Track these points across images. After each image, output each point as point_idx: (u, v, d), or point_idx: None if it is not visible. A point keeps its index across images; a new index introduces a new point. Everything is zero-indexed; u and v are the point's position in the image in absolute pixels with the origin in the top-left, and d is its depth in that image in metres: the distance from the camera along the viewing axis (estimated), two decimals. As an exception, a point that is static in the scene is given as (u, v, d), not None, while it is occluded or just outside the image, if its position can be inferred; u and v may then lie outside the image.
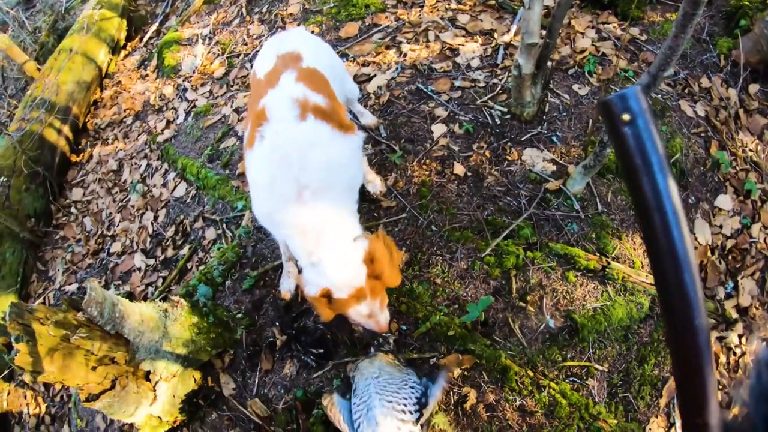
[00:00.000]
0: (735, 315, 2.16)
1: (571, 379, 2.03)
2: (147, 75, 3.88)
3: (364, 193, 2.44)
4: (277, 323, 2.26)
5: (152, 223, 2.88)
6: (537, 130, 2.42)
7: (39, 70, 3.94)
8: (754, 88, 2.45)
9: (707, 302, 2.14)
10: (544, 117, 2.43)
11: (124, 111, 3.72)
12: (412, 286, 2.20)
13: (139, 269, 2.74)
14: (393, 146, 2.53)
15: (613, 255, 2.14)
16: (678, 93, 2.47)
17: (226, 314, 2.27)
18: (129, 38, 4.39)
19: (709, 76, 2.49)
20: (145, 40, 4.27)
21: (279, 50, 1.93)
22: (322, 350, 2.13)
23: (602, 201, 2.23)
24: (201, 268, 2.50)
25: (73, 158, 3.68)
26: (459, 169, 2.39)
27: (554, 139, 2.39)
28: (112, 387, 1.70)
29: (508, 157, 2.38)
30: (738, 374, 2.15)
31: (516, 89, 2.32)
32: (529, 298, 2.08)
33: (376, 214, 2.40)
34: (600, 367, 2.04)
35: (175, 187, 2.96)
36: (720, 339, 2.16)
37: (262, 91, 1.80)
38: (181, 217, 2.82)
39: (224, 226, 2.63)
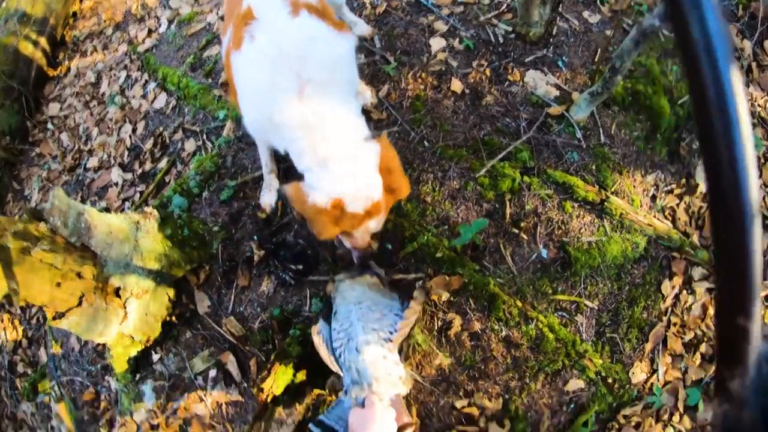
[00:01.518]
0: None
1: (559, 313, 1.87)
2: None
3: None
4: (256, 237, 2.04)
5: (130, 136, 2.66)
6: (542, 52, 2.23)
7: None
8: (769, 43, 2.36)
9: (702, 251, 2.03)
10: (551, 40, 2.24)
11: (104, 21, 3.39)
12: (400, 203, 1.98)
13: (116, 184, 2.58)
14: (387, 57, 2.28)
15: (612, 189, 1.99)
16: (692, 35, 2.33)
17: (201, 227, 2.05)
18: None
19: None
20: None
21: None
22: (301, 266, 1.93)
23: (606, 133, 2.07)
24: (178, 179, 2.27)
25: (51, 72, 3.39)
26: (456, 85, 2.18)
27: (560, 63, 2.21)
28: (79, 304, 1.59)
29: (509, 77, 2.19)
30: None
31: (523, 6, 2.12)
32: (522, 224, 1.90)
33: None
34: (590, 304, 1.89)
35: (155, 98, 2.69)
36: (710, 290, 2.05)
37: None
38: (161, 128, 2.58)
39: (204, 137, 2.41)
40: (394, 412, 1.42)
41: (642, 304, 1.96)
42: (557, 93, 2.13)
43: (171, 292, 1.99)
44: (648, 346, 1.96)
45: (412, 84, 2.21)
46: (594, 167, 2.01)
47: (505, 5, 2.36)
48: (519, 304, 1.83)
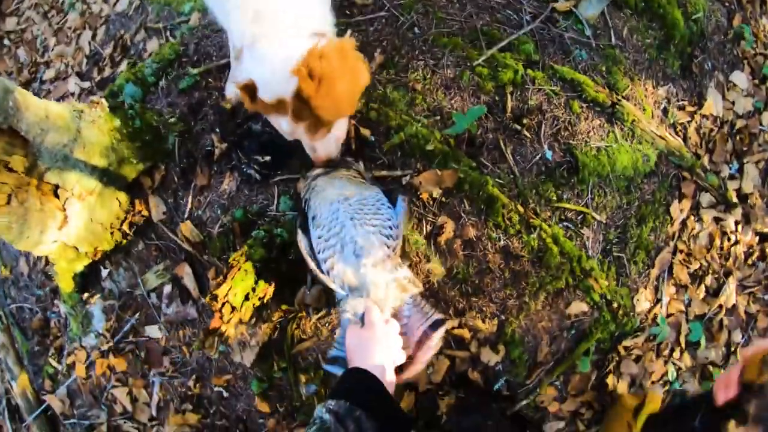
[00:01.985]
0: (735, 199, 1.88)
1: (564, 224, 1.62)
2: None
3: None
4: (217, 129, 1.71)
5: (89, 43, 2.38)
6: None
7: None
8: (783, -29, 2.23)
9: (712, 176, 1.83)
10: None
11: None
12: (385, 90, 1.68)
13: (73, 94, 2.39)
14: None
15: (623, 94, 1.77)
16: (704, -46, 2.18)
17: (156, 118, 1.74)
18: None
19: (736, -48, 2.23)
20: None
21: None
22: (269, 157, 1.61)
23: (617, 35, 1.84)
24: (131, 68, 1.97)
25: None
26: (451, -23, 1.91)
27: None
28: (8, 202, 1.37)
29: (511, -28, 1.94)
30: (728, 263, 1.88)
31: None
32: (525, 121, 1.64)
33: (348, 12, 1.85)
34: (598, 217, 1.65)
35: (117, 0, 2.35)
36: (717, 220, 1.87)
37: None
38: (122, 31, 2.27)
39: (168, 33, 2.11)
40: (397, 325, 1.15)
41: (650, 225, 1.73)
42: (564, -9, 1.90)
43: (122, 197, 1.70)
44: (653, 272, 1.75)
45: (401, -26, 1.93)
46: (604, 69, 1.77)
47: None
48: (521, 209, 1.56)
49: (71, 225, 1.56)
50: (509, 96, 1.66)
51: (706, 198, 1.84)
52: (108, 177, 1.62)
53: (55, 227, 1.53)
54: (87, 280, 1.80)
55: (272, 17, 1.22)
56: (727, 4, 2.10)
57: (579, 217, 1.63)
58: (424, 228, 1.56)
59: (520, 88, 1.68)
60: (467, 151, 1.60)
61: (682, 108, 1.89)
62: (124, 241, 1.75)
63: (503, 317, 1.57)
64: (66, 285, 1.78)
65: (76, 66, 2.43)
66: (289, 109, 1.23)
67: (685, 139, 1.86)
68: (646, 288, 1.72)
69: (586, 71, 1.75)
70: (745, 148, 1.97)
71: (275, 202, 1.64)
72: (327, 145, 1.41)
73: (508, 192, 1.58)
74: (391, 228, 1.28)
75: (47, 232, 1.52)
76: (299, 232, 1.35)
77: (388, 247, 1.24)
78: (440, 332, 1.18)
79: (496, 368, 1.57)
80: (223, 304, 1.39)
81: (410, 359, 1.15)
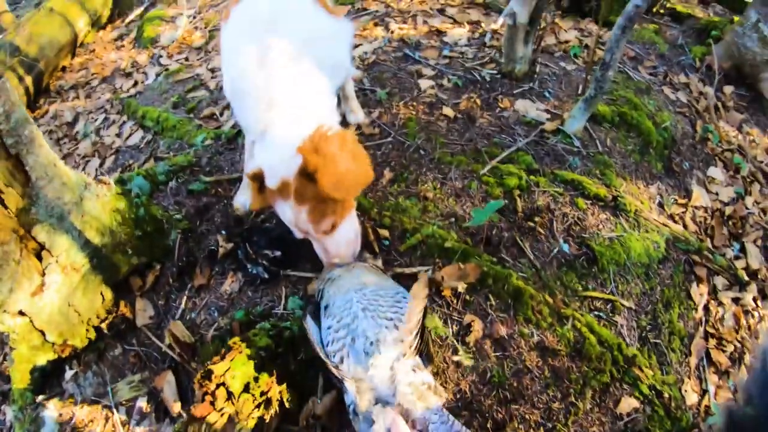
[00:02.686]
0: (746, 277, 1.93)
1: (595, 313, 1.61)
2: (123, 46, 3.64)
3: (343, 123, 2.13)
4: (223, 231, 1.73)
5: (97, 170, 2.46)
6: (529, 85, 2.32)
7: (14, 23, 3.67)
8: (728, 89, 2.58)
9: (719, 257, 1.90)
10: (535, 76, 2.37)
11: (92, 75, 3.39)
12: (397, 200, 1.80)
13: None
14: (378, 90, 2.31)
15: (621, 190, 1.91)
16: (660, 81, 2.55)
17: (161, 213, 1.71)
18: (111, 20, 4.18)
19: (686, 74, 2.62)
20: (127, 21, 4.07)
21: None
22: (279, 253, 1.59)
23: (602, 144, 2.07)
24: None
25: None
26: (448, 111, 2.18)
27: (546, 94, 2.30)
28: None
29: (500, 105, 2.23)
30: (759, 341, 1.84)
31: (508, 42, 2.28)
32: (537, 219, 1.74)
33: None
34: (626, 303, 1.65)
35: (130, 135, 2.54)
36: (736, 300, 1.88)
37: None
38: (131, 161, 2.39)
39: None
40: None
41: (677, 310, 1.73)
42: (548, 116, 2.17)
43: (107, 294, 1.56)
44: (692, 361, 1.69)
45: (403, 110, 2.20)
46: (598, 172, 1.95)
47: (488, 57, 2.54)
48: (549, 300, 1.56)
49: (45, 297, 1.38)
50: (518, 198, 1.78)
51: (720, 281, 1.88)
52: (98, 260, 1.49)
53: (28, 290, 1.34)
54: (47, 379, 1.57)
55: (284, 104, 1.35)
56: (687, 115, 2.41)
57: (608, 306, 1.63)
58: (451, 328, 1.53)
59: (526, 191, 1.82)
60: (486, 250, 1.66)
61: (675, 202, 2.03)
62: (101, 344, 1.56)
63: (550, 425, 1.45)
64: (20, 379, 1.52)
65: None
66: (292, 189, 1.27)
67: (684, 227, 1.97)
68: (690, 378, 1.65)
69: (583, 175, 1.92)
70: (740, 231, 2.08)
71: (282, 302, 1.58)
72: (337, 246, 1.42)
73: (534, 285, 1.60)
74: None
75: (18, 292, 1.31)
76: (308, 318, 1.25)
77: (402, 341, 1.12)
78: None
79: (553, 487, 1.41)
80: (218, 386, 1.15)
81: None
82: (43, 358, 1.49)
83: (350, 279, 1.33)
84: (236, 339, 1.30)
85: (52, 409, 1.49)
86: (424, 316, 1.22)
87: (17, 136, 1.20)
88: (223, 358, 1.23)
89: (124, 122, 2.67)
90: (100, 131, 2.72)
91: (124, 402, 1.49)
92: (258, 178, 1.32)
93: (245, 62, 1.39)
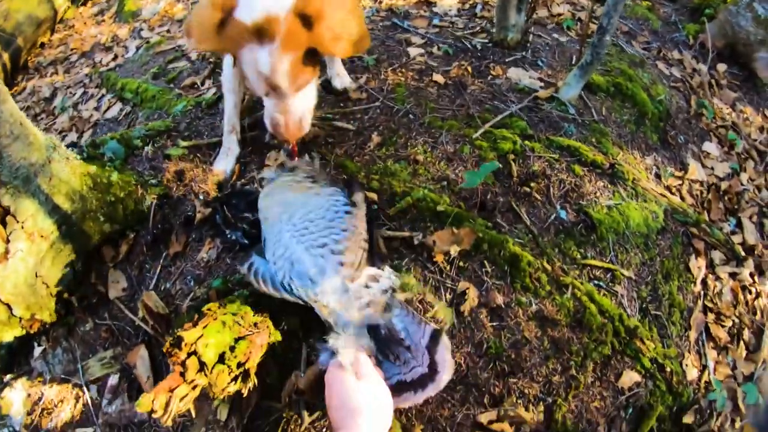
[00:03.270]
0: (743, 253, 1.87)
1: (594, 282, 1.51)
2: (103, 20, 3.42)
3: (329, 89, 1.99)
4: (201, 197, 1.58)
5: (74, 142, 2.28)
6: (521, 54, 2.21)
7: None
8: (722, 67, 2.54)
9: (716, 231, 1.83)
10: (528, 45, 2.26)
11: (71, 50, 3.19)
12: (385, 164, 1.67)
13: None
14: (364, 57, 2.18)
15: (618, 159, 1.82)
16: (654, 56, 2.48)
17: (135, 177, 1.58)
18: None
19: (680, 50, 2.56)
20: None
21: None
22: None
23: (598, 113, 1.98)
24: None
25: None
26: (439, 78, 2.06)
27: (540, 63, 2.20)
28: None
29: (492, 72, 2.11)
30: (757, 317, 1.78)
31: (501, 8, 2.16)
32: (533, 184, 1.63)
33: (342, 104, 1.93)
34: (626, 273, 1.56)
35: (108, 107, 2.38)
36: (733, 275, 1.81)
37: None
38: (109, 134, 2.22)
39: None
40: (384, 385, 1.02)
41: (676, 282, 1.65)
42: (541, 84, 2.07)
43: (77, 264, 1.45)
44: (692, 335, 1.61)
45: (392, 76, 2.07)
46: (594, 140, 1.85)
47: (479, 27, 2.43)
48: (548, 267, 1.46)
49: (10, 266, 1.27)
50: (513, 163, 1.67)
51: (717, 255, 1.81)
52: (68, 227, 1.39)
53: None
54: (14, 357, 1.46)
55: None
56: (681, 90, 2.35)
57: (608, 275, 1.54)
58: (444, 296, 1.41)
59: (521, 156, 1.71)
60: (480, 214, 1.54)
61: (672, 174, 1.96)
62: (71, 318, 1.46)
63: (550, 400, 1.35)
64: None
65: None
66: (279, 30, 1.07)
67: (681, 200, 1.90)
68: (689, 352, 1.57)
69: (579, 141, 1.83)
70: (735, 206, 2.02)
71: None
72: (293, 116, 1.28)
73: (531, 252, 1.49)
74: (346, 240, 1.15)
75: None
76: (253, 255, 1.23)
77: (342, 264, 1.11)
78: (444, 343, 1.09)
79: (551, 466, 1.31)
80: (189, 355, 1.02)
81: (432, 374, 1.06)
82: (9, 335, 1.38)
83: (275, 209, 1.28)
84: (211, 305, 1.17)
85: (20, 389, 1.41)
86: (370, 222, 1.25)
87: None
88: (195, 325, 1.08)
89: (103, 95, 2.50)
90: (78, 105, 2.56)
91: (95, 380, 1.40)
92: (226, 8, 1.08)
93: None
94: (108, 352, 1.41)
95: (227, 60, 1.58)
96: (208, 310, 1.14)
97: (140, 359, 1.35)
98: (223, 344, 1.07)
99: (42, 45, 3.46)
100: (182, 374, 1.00)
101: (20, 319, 1.36)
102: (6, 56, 3.06)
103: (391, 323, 1.09)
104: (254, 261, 1.21)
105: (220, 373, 1.05)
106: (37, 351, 1.44)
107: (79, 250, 1.44)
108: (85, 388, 1.38)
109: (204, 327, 1.07)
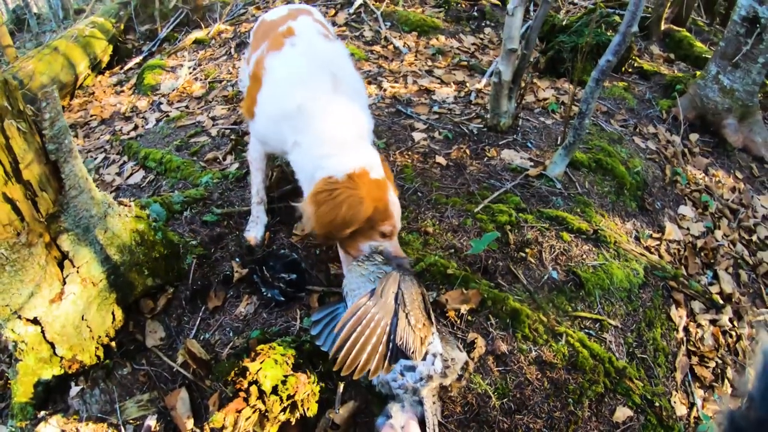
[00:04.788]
0: (721, 301, 2.13)
1: (585, 331, 1.78)
2: (122, 91, 3.85)
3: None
4: (237, 259, 1.89)
5: None
6: (512, 137, 2.62)
7: (17, 58, 3.88)
8: (694, 136, 2.91)
9: (694, 283, 2.11)
10: (518, 129, 2.67)
11: (91, 116, 3.56)
12: (400, 235, 2.00)
13: None
14: (375, 140, 2.59)
15: (601, 225, 2.14)
16: (631, 132, 2.87)
17: (177, 238, 1.84)
18: (110, 66, 4.44)
19: (654, 125, 2.96)
20: (126, 68, 4.34)
21: (291, 6, 2.18)
22: (294, 276, 1.75)
23: (581, 186, 2.33)
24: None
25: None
26: (441, 160, 2.45)
27: (529, 144, 2.59)
28: (17, 235, 1.18)
29: (487, 154, 2.51)
30: (739, 358, 2.00)
31: (494, 98, 2.60)
32: (527, 250, 1.95)
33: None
34: (613, 322, 1.83)
35: (131, 174, 2.67)
36: (713, 322, 2.06)
37: (279, 23, 1.95)
38: (152, 198, 2.52)
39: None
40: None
41: (659, 330, 1.91)
42: (531, 164, 2.45)
43: (118, 313, 1.59)
44: (678, 376, 1.84)
45: (400, 158, 2.47)
46: (579, 210, 2.19)
47: (474, 113, 2.86)
48: (544, 319, 1.74)
49: (62, 307, 1.35)
50: (509, 232, 2.00)
51: (697, 304, 2.07)
52: (116, 277, 1.51)
53: (47, 297, 1.31)
54: (50, 394, 1.52)
55: (359, 130, 1.69)
56: (656, 160, 2.71)
57: (596, 325, 1.81)
58: (456, 346, 1.69)
59: (516, 226, 2.04)
60: (484, 276, 1.85)
61: (650, 236, 2.26)
62: (109, 362, 1.55)
63: (553, 434, 1.59)
64: (23, 392, 1.45)
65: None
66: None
67: (660, 258, 2.19)
68: (677, 391, 1.79)
69: (566, 212, 2.16)
70: (712, 260, 2.30)
71: (298, 323, 1.69)
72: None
73: (529, 306, 1.78)
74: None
75: (37, 297, 1.28)
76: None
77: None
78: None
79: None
80: (251, 384, 1.24)
81: None
82: (48, 372, 1.44)
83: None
84: (263, 346, 1.42)
85: (55, 425, 1.41)
86: (424, 299, 1.42)
87: (58, 143, 1.24)
88: (253, 360, 1.34)
89: (125, 162, 2.80)
90: (99, 169, 2.83)
91: (131, 420, 1.48)
92: (365, 175, 1.58)
93: (320, 88, 1.64)
94: (145, 395, 1.52)
95: (254, 142, 1.97)
96: (261, 349, 1.39)
97: (180, 401, 1.46)
98: (276, 378, 1.33)
99: (62, 108, 3.81)
100: (245, 399, 1.26)
101: (62, 358, 1.44)
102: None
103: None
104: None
105: (275, 402, 1.30)
106: (74, 390, 1.51)
107: (122, 300, 1.56)
108: (122, 427, 1.44)
109: (261, 362, 1.33)
